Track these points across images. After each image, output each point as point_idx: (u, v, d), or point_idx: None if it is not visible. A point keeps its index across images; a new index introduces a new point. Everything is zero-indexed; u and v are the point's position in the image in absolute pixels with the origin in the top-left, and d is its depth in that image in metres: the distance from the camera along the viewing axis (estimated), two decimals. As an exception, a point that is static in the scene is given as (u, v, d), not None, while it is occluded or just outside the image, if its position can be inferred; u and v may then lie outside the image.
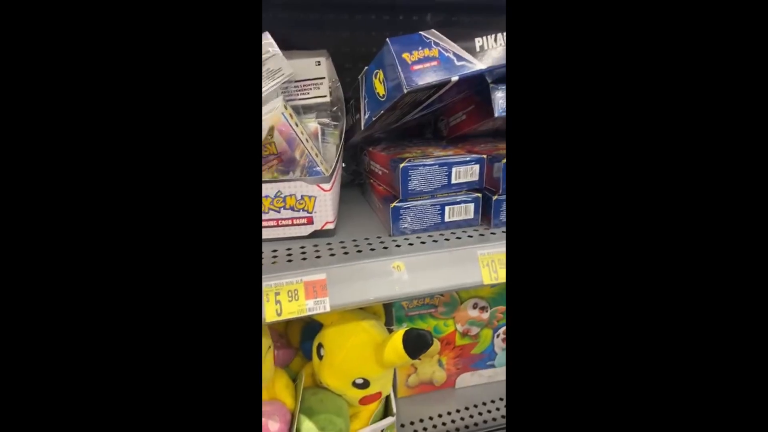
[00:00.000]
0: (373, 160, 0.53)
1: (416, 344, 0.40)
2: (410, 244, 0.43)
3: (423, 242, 0.44)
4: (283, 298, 0.37)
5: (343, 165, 0.63)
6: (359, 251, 0.43)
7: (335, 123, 0.47)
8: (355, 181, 0.69)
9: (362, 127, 0.49)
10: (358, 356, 0.45)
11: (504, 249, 0.42)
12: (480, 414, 0.64)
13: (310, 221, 0.45)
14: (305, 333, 0.59)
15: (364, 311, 0.52)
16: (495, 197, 0.45)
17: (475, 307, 0.63)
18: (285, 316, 0.37)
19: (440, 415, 0.64)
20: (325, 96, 0.43)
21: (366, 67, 0.42)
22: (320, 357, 0.48)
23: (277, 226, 0.44)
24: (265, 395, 0.47)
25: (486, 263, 0.41)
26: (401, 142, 0.58)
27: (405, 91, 0.37)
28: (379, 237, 0.46)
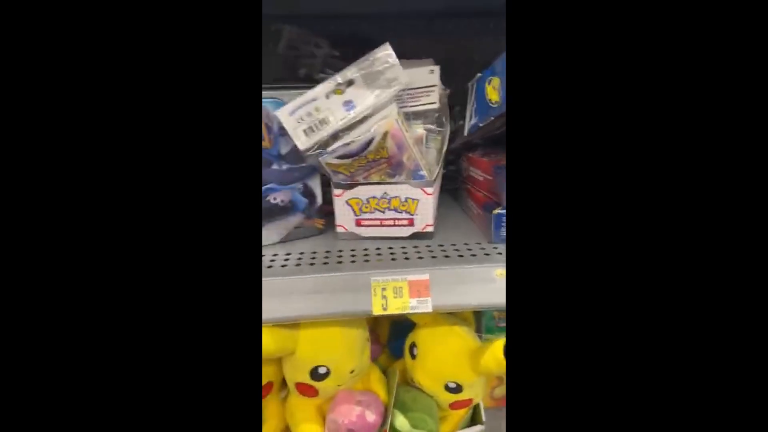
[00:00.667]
0: (473, 165, 0.53)
1: (518, 354, 0.40)
2: (513, 252, 0.43)
3: (526, 251, 0.43)
4: (389, 294, 0.39)
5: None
6: (460, 255, 0.43)
7: (439, 129, 0.48)
8: (445, 187, 0.69)
9: (465, 134, 0.49)
10: (453, 360, 0.45)
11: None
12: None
13: (411, 223, 0.46)
14: (394, 331, 0.61)
15: (455, 316, 0.52)
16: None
17: (571, 324, 0.59)
18: (390, 311, 0.39)
19: None
20: (434, 103, 0.44)
21: (478, 74, 0.43)
22: (413, 356, 0.49)
23: (381, 225, 0.47)
24: (360, 386, 0.50)
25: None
26: (499, 148, 0.57)
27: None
28: (478, 243, 0.46)
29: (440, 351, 0.46)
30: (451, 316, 0.51)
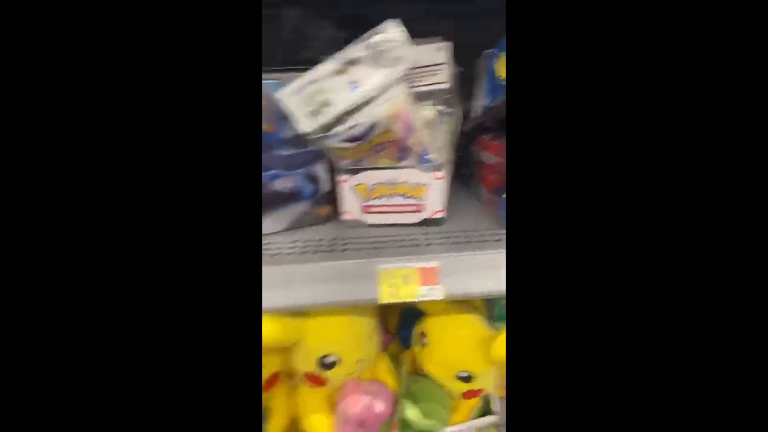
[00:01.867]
0: (486, 149, 0.51)
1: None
2: (526, 238, 0.41)
3: (540, 237, 0.41)
4: (398, 282, 0.38)
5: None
6: (470, 242, 0.41)
7: (450, 110, 0.46)
8: (459, 172, 0.67)
9: (475, 114, 0.47)
10: (465, 349, 0.44)
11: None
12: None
13: (420, 209, 0.45)
14: (404, 320, 0.60)
15: (466, 304, 0.50)
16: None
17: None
18: (399, 299, 0.38)
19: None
20: (444, 82, 0.42)
21: (488, 51, 0.40)
22: (423, 345, 0.48)
23: (388, 212, 0.45)
24: (368, 375, 0.49)
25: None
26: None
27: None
28: (489, 229, 0.44)
29: (451, 340, 0.45)
30: (462, 304, 0.49)
